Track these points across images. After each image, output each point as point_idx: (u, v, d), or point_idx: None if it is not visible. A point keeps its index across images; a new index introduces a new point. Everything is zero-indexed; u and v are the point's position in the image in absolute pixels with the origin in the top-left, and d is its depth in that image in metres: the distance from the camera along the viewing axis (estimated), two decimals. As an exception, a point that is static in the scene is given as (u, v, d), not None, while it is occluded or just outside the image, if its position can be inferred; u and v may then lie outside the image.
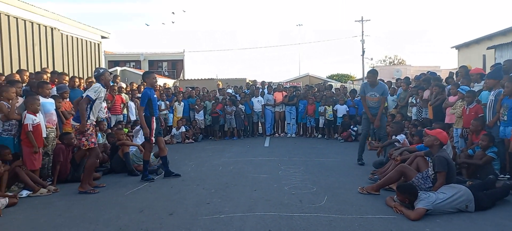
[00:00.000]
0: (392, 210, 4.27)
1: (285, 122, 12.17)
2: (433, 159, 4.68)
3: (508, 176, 5.43)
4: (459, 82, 7.29)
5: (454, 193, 4.22)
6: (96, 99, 5.21)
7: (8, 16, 8.68)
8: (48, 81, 6.82)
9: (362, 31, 31.68)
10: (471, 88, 6.69)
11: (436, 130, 5.00)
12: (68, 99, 7.07)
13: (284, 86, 15.38)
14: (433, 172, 4.65)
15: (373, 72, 7.68)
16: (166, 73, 37.24)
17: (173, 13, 59.40)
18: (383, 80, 10.25)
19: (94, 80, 5.59)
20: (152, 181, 5.91)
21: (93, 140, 5.31)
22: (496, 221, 3.93)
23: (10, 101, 5.43)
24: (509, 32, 14.71)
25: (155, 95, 6.03)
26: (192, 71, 43.96)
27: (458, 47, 20.46)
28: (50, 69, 9.19)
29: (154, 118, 5.97)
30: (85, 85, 8.99)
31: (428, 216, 4.04)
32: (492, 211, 4.24)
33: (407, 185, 4.45)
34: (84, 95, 5.29)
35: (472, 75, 7.28)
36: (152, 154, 7.10)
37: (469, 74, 7.43)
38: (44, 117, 5.76)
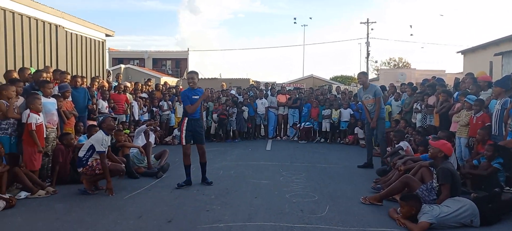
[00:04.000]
0: (395, 223, 4.19)
1: (288, 125, 12.08)
2: (437, 170, 4.58)
3: (514, 188, 5.31)
4: (468, 90, 7.16)
5: (459, 207, 4.12)
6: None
7: (13, 13, 8.64)
8: (50, 80, 6.77)
9: (367, 33, 31.49)
10: (479, 97, 6.56)
11: (440, 141, 4.90)
12: (70, 99, 7.03)
13: (288, 88, 15.30)
14: (437, 184, 4.56)
15: (363, 73, 7.68)
16: (170, 72, 37.30)
17: None
18: (384, 87, 10.19)
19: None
20: (181, 188, 5.64)
21: (99, 167, 5.38)
22: (502, 237, 3.84)
23: (10, 99, 5.38)
24: (516, 38, 14.54)
25: (195, 97, 5.80)
26: (196, 70, 43.94)
27: (464, 52, 20.27)
28: (53, 67, 9.15)
29: (187, 119, 5.77)
30: (88, 84, 8.95)
31: (432, 230, 3.95)
32: (497, 226, 4.15)
33: (412, 195, 4.36)
34: (96, 149, 5.34)
35: (480, 83, 7.16)
36: (152, 155, 7.07)
37: (478, 81, 7.30)
38: (44, 117, 5.72)
